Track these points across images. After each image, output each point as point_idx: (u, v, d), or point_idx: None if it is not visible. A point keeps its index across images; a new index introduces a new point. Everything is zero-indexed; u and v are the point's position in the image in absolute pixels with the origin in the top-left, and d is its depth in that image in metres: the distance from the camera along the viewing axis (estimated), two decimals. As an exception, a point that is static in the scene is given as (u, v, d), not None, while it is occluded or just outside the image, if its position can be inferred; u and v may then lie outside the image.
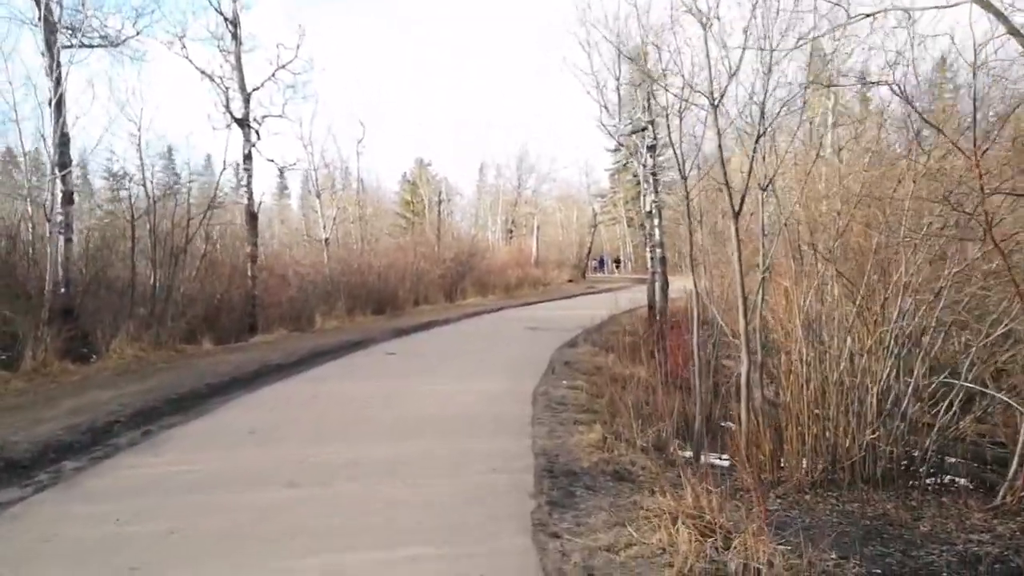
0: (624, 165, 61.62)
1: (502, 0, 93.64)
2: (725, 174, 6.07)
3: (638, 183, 58.17)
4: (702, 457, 6.79)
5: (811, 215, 6.38)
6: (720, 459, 7.18)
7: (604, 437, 5.97)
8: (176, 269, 13.40)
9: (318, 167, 22.57)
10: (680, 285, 20.75)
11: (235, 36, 15.45)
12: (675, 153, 6.68)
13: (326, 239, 21.69)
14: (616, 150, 61.62)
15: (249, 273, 16.56)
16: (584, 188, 54.09)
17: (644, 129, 13.08)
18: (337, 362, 10.99)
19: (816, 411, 5.85)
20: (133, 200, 12.94)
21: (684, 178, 6.77)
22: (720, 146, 6.06)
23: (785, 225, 6.43)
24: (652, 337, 15.66)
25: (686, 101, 6.62)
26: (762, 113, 6.02)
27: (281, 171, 16.97)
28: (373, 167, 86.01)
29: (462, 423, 6.79)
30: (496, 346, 12.99)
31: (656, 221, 13.23)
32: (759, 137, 6.08)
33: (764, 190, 6.25)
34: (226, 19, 14.80)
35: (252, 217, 16.70)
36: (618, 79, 13.55)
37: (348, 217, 28.77)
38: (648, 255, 17.88)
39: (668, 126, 6.53)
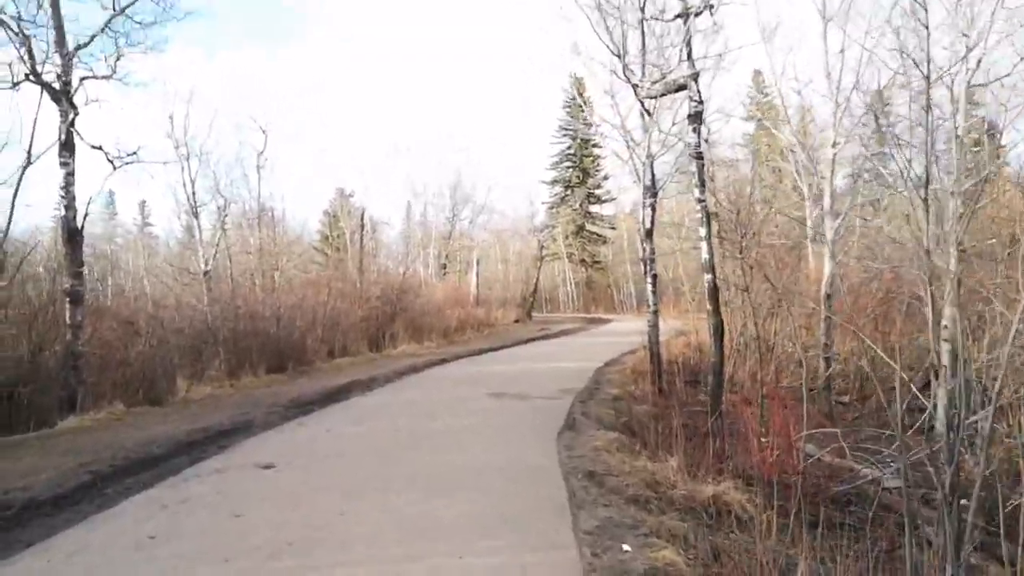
0: (563, 199, 57.63)
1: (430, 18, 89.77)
2: None
3: (585, 214, 54.37)
4: None
5: None
6: None
7: None
8: None
9: (194, 174, 16.92)
10: (666, 326, 16.03)
11: (45, -39, 10.05)
12: None
13: (206, 271, 16.04)
14: (553, 183, 57.67)
15: (68, 319, 10.90)
16: (528, 218, 49.52)
17: (682, 88, 8.39)
18: (151, 495, 5.53)
19: None
20: None
21: None
22: None
23: None
24: (674, 404, 10.78)
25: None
26: None
27: (113, 165, 11.22)
28: (291, 205, 79.59)
29: None
30: (454, 436, 7.77)
31: (704, 232, 8.38)
32: None
33: None
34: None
35: (73, 236, 11.05)
36: (643, 9, 8.80)
37: (248, 247, 23.07)
38: (648, 286, 13.13)
39: None
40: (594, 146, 54.74)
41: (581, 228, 55.62)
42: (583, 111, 52.59)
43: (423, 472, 5.96)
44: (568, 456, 6.93)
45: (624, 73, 9.47)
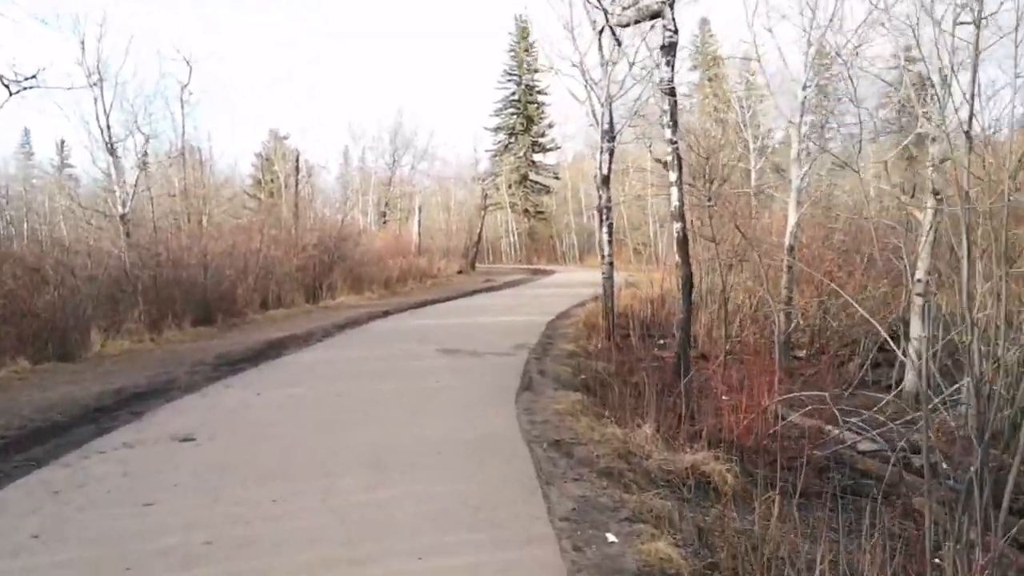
0: (506, 147, 56.29)
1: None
2: None
3: (529, 163, 53.31)
4: None
5: None
6: None
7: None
8: None
9: (108, 106, 15.30)
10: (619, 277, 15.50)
11: None
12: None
13: (123, 215, 14.66)
14: (497, 130, 56.17)
15: (-40, 266, 9.68)
16: (471, 166, 48.32)
17: (656, 16, 7.57)
18: (43, 476, 4.63)
19: None
20: None
21: None
22: None
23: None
24: (632, 360, 10.28)
25: None
26: None
27: (10, 89, 9.83)
28: (220, 145, 75.86)
29: None
30: (402, 400, 7.04)
31: (675, 176, 7.70)
32: None
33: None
34: None
35: (-37, 170, 9.70)
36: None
37: (172, 189, 21.46)
38: (604, 236, 12.58)
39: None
40: (539, 92, 53.55)
41: (525, 177, 54.62)
42: (528, 54, 51.29)
43: (369, 446, 5.22)
44: (529, 421, 6.31)
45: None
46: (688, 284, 7.83)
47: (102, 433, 5.72)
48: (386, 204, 41.63)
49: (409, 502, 4.06)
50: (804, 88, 9.97)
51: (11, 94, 9.77)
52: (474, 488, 4.37)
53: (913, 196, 8.34)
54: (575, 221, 52.02)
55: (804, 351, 11.71)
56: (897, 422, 6.25)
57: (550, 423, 6.29)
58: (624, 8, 8.27)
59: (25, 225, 43.47)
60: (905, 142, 8.60)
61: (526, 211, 54.89)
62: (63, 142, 60.04)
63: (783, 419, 6.83)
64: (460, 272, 31.50)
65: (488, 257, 51.78)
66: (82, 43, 14.83)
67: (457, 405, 6.82)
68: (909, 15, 7.80)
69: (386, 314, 15.54)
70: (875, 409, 6.71)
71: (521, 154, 54.13)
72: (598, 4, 8.75)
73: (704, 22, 45.48)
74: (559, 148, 55.30)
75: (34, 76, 9.84)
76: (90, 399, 7.03)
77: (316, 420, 6.15)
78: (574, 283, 24.74)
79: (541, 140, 55.15)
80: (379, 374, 8.36)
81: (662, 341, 12.59)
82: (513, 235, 54.76)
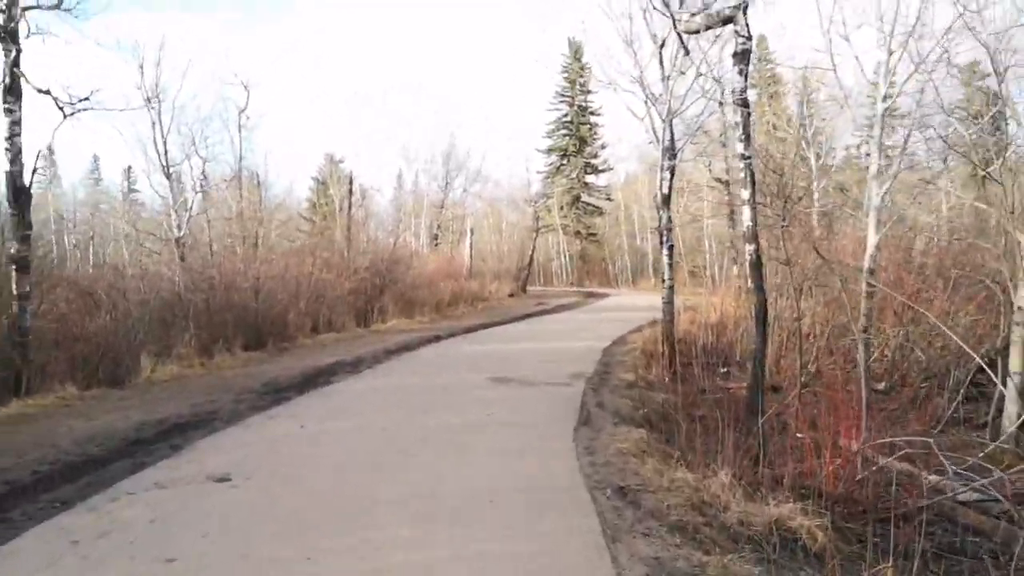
0: (558, 168, 55.95)
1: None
2: None
3: (582, 184, 52.90)
4: None
5: None
6: None
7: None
8: None
9: (166, 130, 15.46)
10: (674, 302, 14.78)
11: None
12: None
13: (178, 238, 14.70)
14: (549, 151, 55.87)
15: (15, 289, 9.66)
16: (523, 187, 48.12)
17: (728, 21, 7.07)
18: (65, 522, 4.29)
19: None
20: None
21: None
22: None
23: None
24: (695, 392, 9.65)
25: None
26: None
27: (64, 112, 9.85)
28: (277, 169, 77.58)
29: None
30: (452, 437, 6.57)
31: (747, 194, 7.11)
32: None
33: None
34: None
35: (19, 194, 9.75)
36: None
37: (228, 212, 21.65)
38: (664, 258, 12.02)
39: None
40: (591, 114, 53.17)
41: (577, 199, 54.10)
42: (581, 75, 50.98)
43: (414, 492, 4.76)
44: (590, 463, 5.77)
45: (662, 2, 8.11)
46: (763, 312, 7.21)
47: (136, 470, 5.41)
48: (438, 226, 41.62)
49: (459, 566, 3.58)
50: (884, 99, 9.27)
51: (65, 116, 9.74)
52: (532, 547, 3.86)
53: (1013, 214, 7.56)
54: (628, 243, 51.23)
55: (883, 383, 10.85)
56: (1011, 471, 5.50)
57: (613, 465, 5.75)
58: (692, 14, 7.76)
59: (90, 250, 44.95)
60: (1006, 154, 7.84)
61: (578, 233, 54.30)
62: (129, 168, 62.10)
63: (874, 463, 6.11)
64: (512, 295, 31.09)
65: (540, 279, 51.32)
66: (141, 67, 15.05)
67: (511, 443, 6.32)
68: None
69: (437, 339, 15.16)
70: (982, 456, 5.96)
71: (573, 175, 53.70)
72: (665, 11, 8.28)
73: (762, 39, 44.45)
74: (611, 169, 54.70)
75: (87, 98, 9.80)
76: (130, 430, 6.77)
77: (360, 458, 5.73)
78: (628, 307, 24.07)
79: (594, 161, 54.62)
80: (428, 405, 7.92)
81: (725, 369, 11.91)
82: (565, 257, 54.22)
